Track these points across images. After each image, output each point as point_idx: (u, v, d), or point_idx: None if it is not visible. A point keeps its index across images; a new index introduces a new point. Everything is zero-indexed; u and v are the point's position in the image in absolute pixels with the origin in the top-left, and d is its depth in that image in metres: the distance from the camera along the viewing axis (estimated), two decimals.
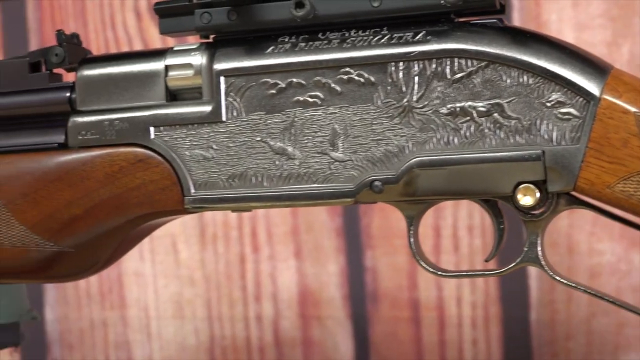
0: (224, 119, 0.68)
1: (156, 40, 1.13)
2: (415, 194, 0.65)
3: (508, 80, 0.63)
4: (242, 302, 1.14)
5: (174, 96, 0.70)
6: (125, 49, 1.17)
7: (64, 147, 0.72)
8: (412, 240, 0.68)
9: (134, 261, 1.18)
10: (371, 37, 0.65)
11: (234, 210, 0.70)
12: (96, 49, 1.17)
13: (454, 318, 1.07)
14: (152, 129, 0.70)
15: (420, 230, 1.06)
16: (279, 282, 1.13)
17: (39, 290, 1.22)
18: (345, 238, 1.11)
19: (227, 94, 0.68)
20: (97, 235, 0.72)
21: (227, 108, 0.68)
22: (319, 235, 1.12)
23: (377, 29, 0.66)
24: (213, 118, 0.68)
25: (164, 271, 1.17)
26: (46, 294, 1.22)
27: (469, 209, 1.06)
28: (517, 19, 1.04)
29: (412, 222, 0.68)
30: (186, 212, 0.70)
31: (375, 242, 1.10)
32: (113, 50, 1.18)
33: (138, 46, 1.17)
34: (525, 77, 0.63)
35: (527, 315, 1.05)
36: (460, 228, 1.07)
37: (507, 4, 0.66)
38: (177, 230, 1.16)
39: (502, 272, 0.66)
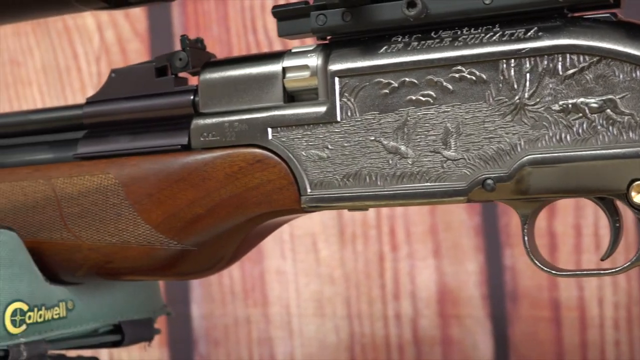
0: (338, 119, 0.69)
1: (296, 43, 1.14)
2: (528, 192, 0.64)
3: (621, 76, 0.61)
4: (381, 300, 1.15)
5: (291, 97, 0.71)
6: None
7: (186, 148, 0.74)
8: (526, 238, 0.67)
9: (275, 260, 1.20)
10: (483, 35, 0.65)
11: (350, 209, 0.71)
12: (238, 53, 1.20)
13: (596, 319, 1.05)
14: (269, 130, 0.71)
15: (561, 229, 1.06)
16: (418, 281, 1.13)
17: (185, 288, 1.25)
18: (484, 237, 1.10)
19: (341, 95, 0.69)
20: (218, 234, 0.74)
21: (341, 108, 0.69)
22: (458, 234, 1.11)
23: (489, 27, 0.65)
24: (328, 118, 0.69)
25: (305, 270, 1.19)
26: (192, 292, 1.26)
27: None
28: None
29: (527, 220, 0.67)
30: (303, 211, 0.71)
31: (514, 241, 1.09)
32: None
33: (279, 49, 1.19)
34: (638, 72, 0.61)
35: None
36: (601, 227, 1.05)
37: None
38: (317, 230, 1.17)
39: (616, 271, 0.65)
